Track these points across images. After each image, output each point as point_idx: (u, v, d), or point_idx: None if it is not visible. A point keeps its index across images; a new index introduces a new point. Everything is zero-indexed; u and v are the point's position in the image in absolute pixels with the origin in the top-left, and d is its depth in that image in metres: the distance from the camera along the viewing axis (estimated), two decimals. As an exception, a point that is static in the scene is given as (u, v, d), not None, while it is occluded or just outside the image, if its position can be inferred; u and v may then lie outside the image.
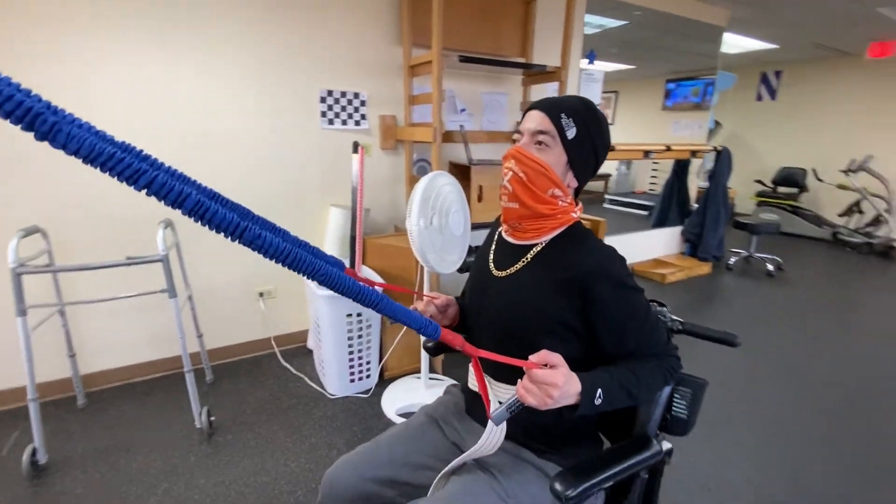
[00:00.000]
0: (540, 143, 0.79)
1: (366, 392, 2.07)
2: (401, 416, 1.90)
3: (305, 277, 0.55)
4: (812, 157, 5.83)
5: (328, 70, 2.22)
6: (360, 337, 2.00)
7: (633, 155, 3.59)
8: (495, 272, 0.89)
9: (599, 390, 0.70)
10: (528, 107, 0.84)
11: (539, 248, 0.84)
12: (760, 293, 3.62)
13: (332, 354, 1.97)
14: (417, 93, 2.37)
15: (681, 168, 4.38)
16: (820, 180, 5.58)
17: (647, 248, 4.14)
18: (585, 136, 0.80)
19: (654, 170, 6.40)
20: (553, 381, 0.65)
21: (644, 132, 6.10)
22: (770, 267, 4.12)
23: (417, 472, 0.86)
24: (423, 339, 1.84)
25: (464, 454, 0.78)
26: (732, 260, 4.32)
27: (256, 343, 2.38)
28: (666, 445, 0.81)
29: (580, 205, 0.88)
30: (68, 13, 1.70)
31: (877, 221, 5.13)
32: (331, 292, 1.88)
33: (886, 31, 4.29)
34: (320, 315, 1.94)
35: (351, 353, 2.00)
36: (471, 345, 0.71)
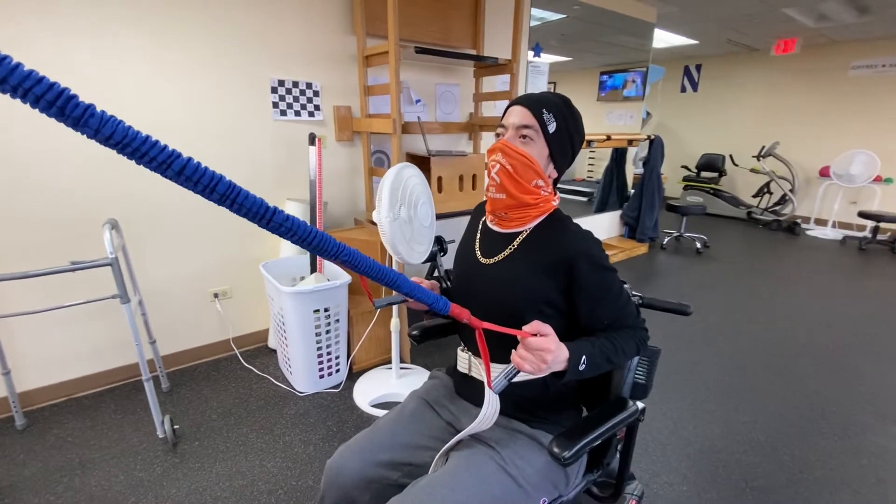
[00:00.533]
0: (524, 136, 0.85)
1: (336, 387, 2.07)
2: (374, 407, 1.92)
3: (329, 259, 0.55)
4: (729, 143, 6.43)
5: (279, 59, 2.14)
6: (327, 332, 1.99)
7: (577, 144, 3.77)
8: (483, 259, 0.94)
9: (584, 356, 0.77)
10: (511, 102, 0.89)
11: (524, 235, 0.90)
12: (691, 268, 3.99)
13: (299, 351, 1.94)
14: (372, 83, 2.35)
15: (619, 156, 4.67)
16: (736, 165, 6.18)
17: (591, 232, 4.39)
18: (564, 129, 0.86)
19: (591, 158, 6.76)
20: (547, 347, 0.71)
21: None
22: (698, 245, 4.53)
23: (417, 453, 0.90)
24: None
25: (464, 430, 0.83)
26: (666, 240, 4.70)
27: (214, 346, 2.28)
28: (640, 405, 0.91)
29: (558, 194, 0.95)
30: (-21, -8, 1.51)
31: (783, 201, 5.79)
32: (296, 288, 1.85)
33: (790, 30, 4.81)
34: (285, 312, 1.90)
35: (319, 348, 1.98)
36: (475, 318, 0.75)
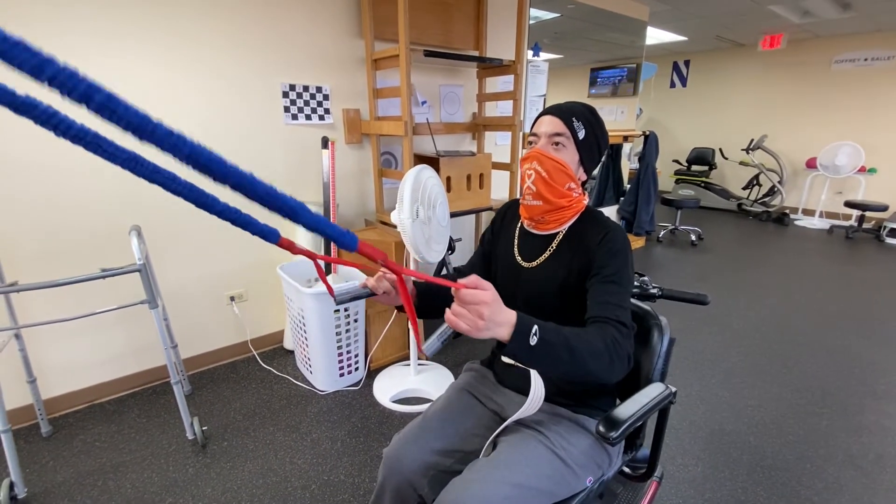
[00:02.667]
0: (557, 143, 0.91)
1: (356, 384, 2.11)
2: (395, 402, 1.97)
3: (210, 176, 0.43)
4: (718, 137, 6.57)
5: (290, 64, 2.17)
6: (347, 331, 2.03)
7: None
8: (524, 263, 0.99)
9: (536, 327, 0.67)
10: (541, 113, 0.95)
11: (561, 236, 0.96)
12: (688, 260, 4.10)
13: (320, 350, 1.99)
14: (381, 86, 2.39)
15: (614, 152, 4.75)
16: (725, 158, 6.32)
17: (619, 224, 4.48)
18: (591, 135, 0.93)
19: (585, 153, 6.87)
20: (481, 300, 0.61)
21: (575, 118, 6.52)
22: (693, 237, 4.65)
23: (467, 440, 0.96)
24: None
25: (512, 416, 0.89)
26: (662, 233, 4.81)
27: (232, 348, 2.31)
28: (672, 388, 0.98)
29: (586, 193, 1.01)
30: (11, 3, 1.52)
31: (772, 192, 5.95)
32: (318, 290, 1.89)
33: (776, 25, 4.94)
34: (306, 313, 1.94)
35: (339, 347, 2.02)
36: (393, 262, 0.63)
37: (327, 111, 2.34)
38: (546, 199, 0.93)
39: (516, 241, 1.04)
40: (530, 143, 0.96)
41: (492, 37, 2.89)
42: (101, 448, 1.71)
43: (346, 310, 1.99)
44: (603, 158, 1.00)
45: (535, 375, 0.91)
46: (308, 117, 2.29)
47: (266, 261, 2.31)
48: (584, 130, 0.92)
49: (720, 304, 3.09)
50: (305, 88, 2.25)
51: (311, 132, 2.31)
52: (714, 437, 1.79)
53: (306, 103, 2.27)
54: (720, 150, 6.34)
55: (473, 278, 0.63)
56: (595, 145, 0.95)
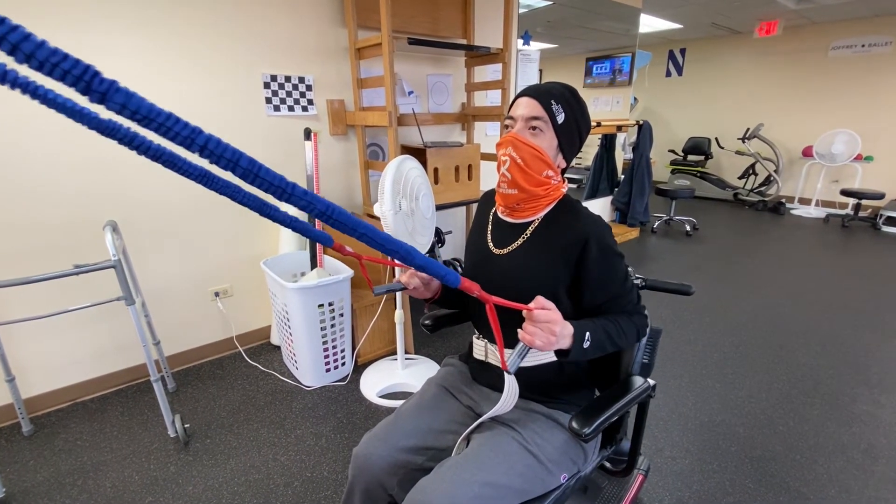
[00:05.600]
0: (534, 128, 0.86)
1: (342, 380, 2.09)
2: (382, 397, 1.94)
3: (342, 230, 0.50)
4: (714, 126, 6.52)
5: (271, 54, 2.12)
6: (332, 326, 2.00)
7: (567, 131, 3.80)
8: (496, 250, 0.96)
9: (588, 333, 0.80)
10: (518, 94, 0.90)
11: (536, 224, 0.92)
12: (682, 250, 4.07)
13: (305, 346, 1.96)
14: (365, 76, 2.34)
15: (608, 142, 4.71)
16: (721, 147, 6.27)
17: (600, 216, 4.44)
18: (572, 119, 0.88)
19: (580, 145, 6.80)
20: (553, 319, 0.72)
21: (570, 109, 6.45)
22: (687, 227, 4.62)
23: (440, 437, 0.93)
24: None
25: (487, 413, 0.86)
26: (656, 224, 4.78)
27: (218, 344, 2.28)
28: (651, 382, 0.95)
29: (566, 181, 0.97)
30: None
31: (768, 181, 5.91)
32: (300, 284, 1.86)
33: (772, 12, 4.87)
34: (290, 308, 1.91)
35: (325, 342, 2.00)
36: (486, 292, 0.68)
37: (311, 102, 2.29)
38: (521, 188, 0.88)
39: (490, 228, 1.01)
40: (506, 126, 0.91)
41: (480, 25, 2.83)
42: (82, 447, 1.69)
43: (330, 304, 1.96)
44: (584, 143, 0.96)
45: (508, 376, 0.88)
46: (291, 108, 2.24)
47: (251, 256, 2.28)
48: (563, 114, 0.87)
49: (713, 295, 3.06)
50: (287, 79, 2.20)
51: (295, 124, 2.27)
52: (703, 429, 1.77)
53: (289, 94, 2.22)
54: (716, 139, 6.29)
55: (540, 300, 0.72)
56: (575, 130, 0.90)
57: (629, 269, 1.34)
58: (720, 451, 1.65)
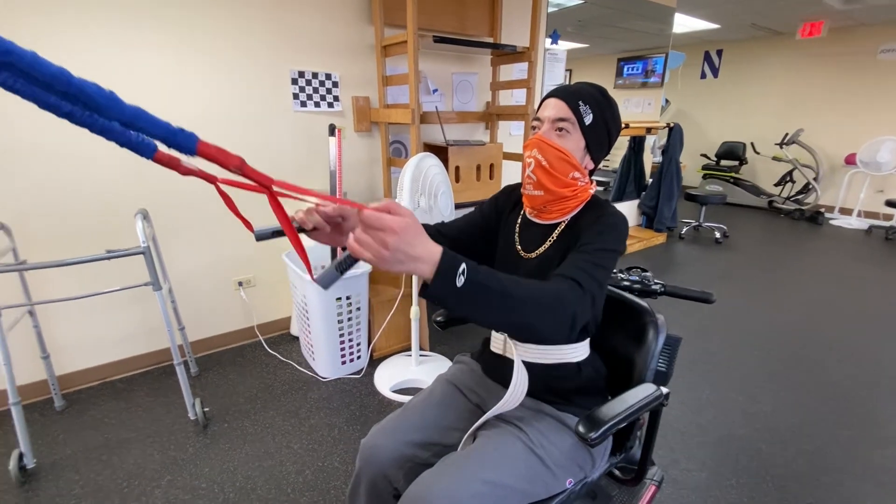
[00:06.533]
0: (560, 129, 0.85)
1: (357, 373, 2.12)
2: (395, 392, 1.96)
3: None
4: (750, 131, 6.28)
5: (299, 51, 2.16)
6: (349, 319, 2.03)
7: (594, 132, 3.73)
8: (524, 253, 0.95)
9: (464, 265, 0.59)
10: (546, 95, 0.90)
11: (563, 226, 0.91)
12: (710, 258, 3.94)
13: (322, 338, 1.99)
14: (391, 73, 2.36)
15: (637, 144, 4.60)
16: (757, 153, 6.04)
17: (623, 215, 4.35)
18: (601, 120, 0.87)
19: (608, 147, 6.66)
20: (387, 224, 0.52)
21: (599, 110, 6.32)
22: (717, 234, 4.47)
23: (447, 434, 0.93)
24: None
25: (490, 410, 0.85)
26: (684, 230, 4.64)
27: (239, 333, 2.35)
28: (664, 390, 0.92)
29: (594, 182, 0.95)
30: (14, -11, 1.56)
31: (806, 189, 5.65)
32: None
33: (816, 12, 4.65)
34: (309, 300, 1.94)
35: (341, 335, 2.03)
36: (256, 171, 0.54)
37: (336, 98, 2.33)
38: (547, 189, 0.88)
39: (517, 230, 0.99)
40: (534, 128, 0.90)
41: (508, 23, 2.81)
42: (108, 424, 1.77)
43: (347, 298, 1.98)
44: (613, 144, 0.94)
45: (518, 368, 0.88)
46: (317, 105, 2.28)
47: (274, 247, 2.33)
48: (591, 115, 0.85)
49: (741, 305, 2.95)
50: (315, 75, 2.24)
51: (320, 120, 2.31)
52: (722, 443, 1.71)
53: (315, 90, 2.26)
54: (752, 144, 6.05)
55: (387, 202, 0.55)
56: (604, 131, 0.89)
57: (644, 272, 1.31)
58: (739, 467, 1.60)
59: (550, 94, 0.88)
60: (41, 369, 1.81)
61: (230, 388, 2.01)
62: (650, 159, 4.66)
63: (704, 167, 6.39)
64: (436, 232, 1.03)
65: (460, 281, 0.58)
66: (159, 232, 1.97)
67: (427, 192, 1.67)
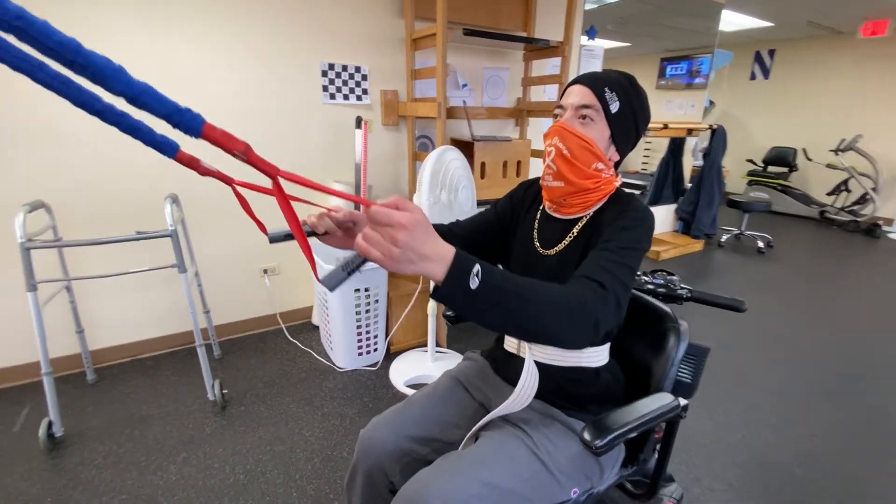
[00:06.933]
0: (584, 117, 0.80)
1: (373, 365, 2.12)
2: (409, 387, 1.95)
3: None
4: (802, 136, 5.90)
5: (330, 43, 2.18)
6: (367, 311, 2.03)
7: (630, 133, 3.59)
8: (542, 251, 0.90)
9: (477, 267, 0.55)
10: (571, 81, 0.85)
11: (584, 221, 0.86)
12: (751, 269, 3.72)
13: (339, 328, 2.00)
14: (419, 67, 2.34)
15: (676, 147, 4.41)
16: (809, 160, 5.67)
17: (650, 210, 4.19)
18: (628, 109, 0.82)
19: (646, 149, 6.43)
20: (396, 220, 0.49)
21: (638, 111, 6.09)
22: (760, 244, 4.22)
23: (448, 430, 0.90)
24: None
25: (495, 410, 0.82)
26: (724, 237, 4.41)
27: (262, 319, 2.40)
28: (682, 401, 0.86)
29: (620, 175, 0.90)
30: (63, -20, 1.64)
31: (863, 200, 5.26)
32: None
33: (880, 10, 4.32)
34: (328, 291, 1.95)
35: (359, 327, 2.03)
36: (263, 159, 0.54)
37: (365, 91, 2.33)
38: (568, 181, 0.83)
39: (536, 226, 0.94)
40: (555, 116, 0.86)
41: (544, 18, 2.75)
42: (134, 399, 1.84)
43: (366, 290, 1.98)
44: (641, 137, 0.88)
45: (528, 368, 0.83)
46: (346, 97, 2.30)
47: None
48: (617, 102, 0.80)
49: (781, 319, 2.77)
50: (344, 68, 2.25)
51: (348, 112, 2.32)
52: (751, 464, 1.60)
53: (345, 83, 2.27)
54: (804, 150, 5.69)
55: (395, 198, 0.52)
56: (631, 121, 0.83)
57: (670, 275, 1.24)
58: (770, 492, 1.49)
59: (575, 81, 0.83)
60: (76, 343, 1.90)
61: (250, 372, 2.05)
62: (690, 163, 4.46)
63: (750, 173, 6.06)
64: (447, 231, 1.00)
65: (474, 283, 0.55)
66: (190, 218, 2.03)
67: (448, 186, 1.64)
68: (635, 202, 0.84)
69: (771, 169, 5.97)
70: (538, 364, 0.85)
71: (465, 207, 1.72)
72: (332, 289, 0.55)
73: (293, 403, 1.84)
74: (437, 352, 2.11)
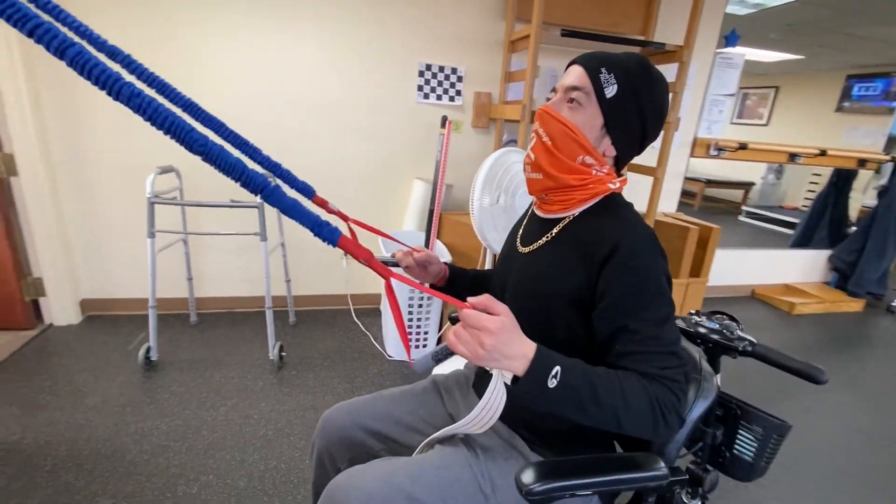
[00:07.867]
0: (572, 100, 0.70)
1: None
2: (447, 390, 1.91)
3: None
4: None
5: (429, 43, 2.26)
6: (420, 307, 2.05)
7: (772, 157, 3.04)
8: (521, 248, 0.83)
9: (558, 368, 0.57)
10: (570, 62, 0.75)
11: (566, 223, 0.76)
12: (931, 347, 2.84)
13: (391, 318, 2.05)
14: (514, 69, 2.29)
15: (842, 180, 3.60)
16: None
17: (776, 269, 3.51)
18: (630, 95, 0.69)
19: (813, 183, 5.34)
20: (484, 325, 0.54)
21: (806, 137, 5.10)
22: (955, 318, 3.20)
23: (408, 433, 0.86)
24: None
25: (452, 426, 0.75)
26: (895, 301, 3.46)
27: (336, 297, 2.59)
28: (665, 470, 0.68)
29: (623, 177, 0.77)
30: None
31: None
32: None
33: None
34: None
35: (410, 321, 2.06)
36: (380, 264, 0.57)
37: (458, 93, 2.36)
38: (546, 173, 0.73)
39: (525, 221, 0.88)
40: (548, 99, 0.77)
41: (669, 20, 2.47)
42: (216, 345, 2.13)
43: (421, 285, 2.01)
44: (651, 136, 0.75)
45: (493, 388, 0.75)
46: (439, 97, 2.36)
47: (377, 226, 2.49)
48: (615, 86, 0.68)
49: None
50: (441, 69, 2.31)
51: (440, 112, 2.37)
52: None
53: (440, 83, 2.33)
54: None
55: (484, 298, 0.57)
56: (633, 110, 0.70)
57: (732, 321, 1.01)
58: None
59: (574, 60, 0.73)
60: (185, 288, 2.27)
61: (312, 342, 2.23)
62: (859, 202, 3.60)
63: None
64: (471, 281, 1.01)
65: (552, 383, 0.57)
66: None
67: (506, 190, 1.57)
68: (632, 223, 0.70)
69: None
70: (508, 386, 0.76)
71: (520, 213, 1.62)
72: (419, 370, 0.70)
73: (336, 378, 1.95)
74: (483, 361, 2.04)
